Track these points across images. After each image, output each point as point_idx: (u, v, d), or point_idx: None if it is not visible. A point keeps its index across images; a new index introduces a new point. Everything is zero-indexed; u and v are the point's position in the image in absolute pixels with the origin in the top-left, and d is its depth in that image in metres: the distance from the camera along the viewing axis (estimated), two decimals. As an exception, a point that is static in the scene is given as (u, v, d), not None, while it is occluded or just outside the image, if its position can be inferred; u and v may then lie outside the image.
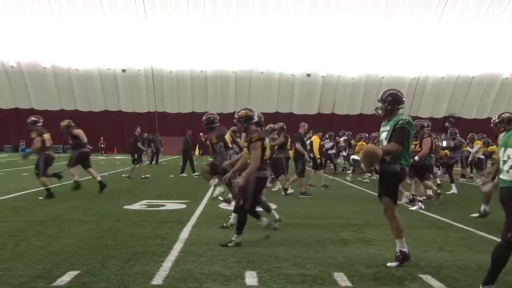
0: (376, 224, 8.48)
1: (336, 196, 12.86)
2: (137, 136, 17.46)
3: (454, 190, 14.11)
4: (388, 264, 5.50)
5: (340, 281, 4.92)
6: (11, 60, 39.95)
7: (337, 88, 41.96)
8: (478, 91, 42.05)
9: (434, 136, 12.34)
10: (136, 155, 17.05)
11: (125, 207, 9.86)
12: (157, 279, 4.83)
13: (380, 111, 5.71)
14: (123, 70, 40.62)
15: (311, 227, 7.93)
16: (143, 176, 16.59)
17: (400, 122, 5.46)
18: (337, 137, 22.47)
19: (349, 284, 4.83)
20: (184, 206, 10.22)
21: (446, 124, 42.74)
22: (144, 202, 10.68)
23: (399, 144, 5.43)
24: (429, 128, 11.74)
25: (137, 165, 17.12)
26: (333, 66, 40.53)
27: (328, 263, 5.62)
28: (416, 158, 10.30)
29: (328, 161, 21.93)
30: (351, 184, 16.37)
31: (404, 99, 5.75)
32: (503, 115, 8.68)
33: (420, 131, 10.86)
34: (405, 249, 5.51)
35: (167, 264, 5.42)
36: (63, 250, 5.99)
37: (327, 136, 21.60)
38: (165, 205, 10.21)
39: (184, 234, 7.15)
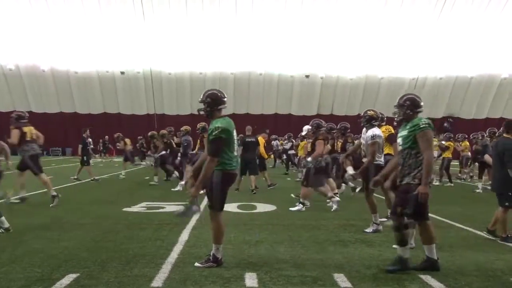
0: (376, 224, 8.48)
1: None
2: (85, 138, 17.41)
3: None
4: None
5: (340, 282, 4.92)
6: (10, 63, 39.90)
7: (336, 89, 41.97)
8: (477, 92, 42.06)
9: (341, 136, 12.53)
10: (85, 157, 17.06)
11: (124, 209, 9.86)
12: (157, 282, 4.83)
13: (398, 117, 5.62)
14: (122, 73, 40.60)
15: (310, 228, 7.93)
16: (92, 178, 16.60)
17: (422, 127, 5.31)
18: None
19: (349, 285, 4.84)
20: (183, 208, 10.20)
21: (445, 124, 42.77)
22: (143, 204, 10.68)
23: (428, 151, 5.27)
24: (330, 129, 11.78)
25: (85, 166, 17.11)
26: (332, 67, 40.53)
27: (328, 264, 5.62)
28: (309, 159, 10.05)
29: (289, 162, 22.25)
30: (351, 184, 16.33)
31: (422, 103, 5.64)
32: None
33: (316, 131, 10.50)
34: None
35: (167, 266, 5.42)
36: (62, 253, 5.98)
37: (286, 136, 21.87)
38: (164, 207, 10.20)
39: (184, 236, 7.15)
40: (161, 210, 9.90)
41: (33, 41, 38.46)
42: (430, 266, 5.31)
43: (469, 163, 18.32)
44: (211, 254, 5.47)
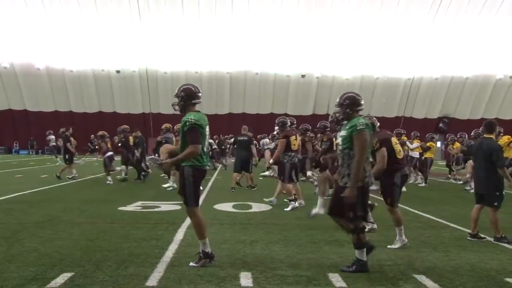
0: (371, 224, 8.49)
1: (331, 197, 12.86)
2: (68, 136, 17.41)
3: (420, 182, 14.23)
4: None
5: (335, 281, 4.93)
6: (4, 61, 39.77)
7: (332, 89, 41.99)
8: (472, 92, 42.23)
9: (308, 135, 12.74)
10: (67, 155, 17.09)
11: (120, 208, 9.84)
12: (152, 281, 4.82)
13: (339, 116, 5.56)
14: (118, 71, 40.53)
15: (306, 228, 7.93)
16: (70, 176, 16.62)
17: (358, 128, 5.22)
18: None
19: (343, 284, 4.84)
20: (179, 207, 10.18)
21: (440, 124, 42.91)
22: (139, 203, 10.66)
23: (360, 153, 5.21)
24: (305, 130, 11.96)
25: (67, 165, 17.14)
26: (328, 67, 40.60)
27: (323, 263, 5.63)
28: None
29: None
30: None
31: (362, 101, 5.53)
32: None
33: (283, 129, 10.69)
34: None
35: (162, 265, 5.42)
36: (57, 252, 5.97)
37: (270, 136, 21.99)
38: (159, 207, 10.18)
39: (179, 235, 7.14)
40: (156, 209, 9.89)
41: (28, 39, 38.34)
42: (361, 269, 5.26)
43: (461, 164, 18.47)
44: (201, 251, 5.46)
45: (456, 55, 39.53)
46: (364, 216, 5.42)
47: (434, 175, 20.59)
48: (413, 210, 10.31)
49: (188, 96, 5.49)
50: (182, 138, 5.47)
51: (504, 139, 11.38)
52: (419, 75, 41.27)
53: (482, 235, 7.20)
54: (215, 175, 18.83)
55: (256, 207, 10.36)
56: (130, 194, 12.47)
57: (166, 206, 10.22)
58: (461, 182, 18.18)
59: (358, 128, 5.21)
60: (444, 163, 23.81)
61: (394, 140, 6.94)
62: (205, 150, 5.51)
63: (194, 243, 6.55)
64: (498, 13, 38.04)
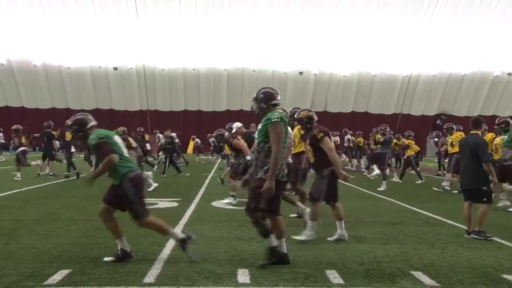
0: (369, 221, 8.52)
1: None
2: (50, 132, 17.38)
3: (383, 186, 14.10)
4: None
5: (332, 278, 4.93)
6: (1, 57, 39.62)
7: (330, 86, 42.03)
8: (470, 89, 42.27)
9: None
10: (53, 151, 17.06)
11: (117, 205, 9.82)
12: (149, 278, 4.82)
13: (256, 110, 5.51)
14: (115, 68, 40.44)
15: (303, 225, 7.93)
16: (51, 174, 16.67)
17: (273, 121, 5.22)
18: None
19: (341, 281, 4.85)
20: (176, 204, 10.20)
21: (438, 121, 42.94)
22: (136, 200, 10.63)
23: (276, 146, 5.18)
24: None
25: (49, 160, 17.13)
26: (325, 64, 40.58)
27: (321, 260, 5.63)
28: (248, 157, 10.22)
29: None
30: (343, 182, 16.40)
31: (277, 96, 5.50)
32: None
33: (229, 135, 10.93)
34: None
35: (159, 262, 5.41)
36: (55, 249, 5.96)
37: None
38: (157, 204, 10.18)
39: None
40: (154, 206, 9.87)
41: (25, 36, 38.18)
42: (281, 260, 5.27)
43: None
44: (182, 240, 5.51)
45: (453, 52, 39.55)
46: (271, 210, 5.30)
47: (432, 172, 20.64)
48: (410, 207, 10.34)
49: (268, 98, 5.48)
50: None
51: (488, 136, 11.48)
52: (417, 72, 41.29)
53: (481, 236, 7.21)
54: (212, 172, 18.81)
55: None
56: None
57: (163, 203, 10.22)
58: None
59: (273, 120, 5.22)
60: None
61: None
62: (125, 154, 5.62)
63: (192, 240, 6.55)
64: (496, 10, 38.07)
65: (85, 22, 37.60)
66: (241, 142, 10.42)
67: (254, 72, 40.57)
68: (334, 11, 37.59)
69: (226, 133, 11.91)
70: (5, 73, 40.50)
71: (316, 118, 7.06)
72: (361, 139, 23.20)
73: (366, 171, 19.71)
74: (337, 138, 23.41)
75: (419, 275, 5.11)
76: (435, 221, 8.67)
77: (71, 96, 41.95)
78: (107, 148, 5.41)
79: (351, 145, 23.64)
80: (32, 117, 40.83)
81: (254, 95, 5.54)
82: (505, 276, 5.17)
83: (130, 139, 14.53)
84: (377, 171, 14.77)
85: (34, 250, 5.89)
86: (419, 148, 24.72)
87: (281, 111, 7.67)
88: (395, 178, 16.97)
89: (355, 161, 23.66)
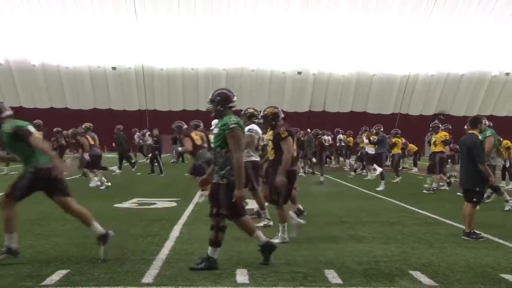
0: (368, 221, 8.52)
1: (327, 194, 12.89)
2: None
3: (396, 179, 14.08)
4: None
5: (331, 278, 4.93)
6: (0, 57, 39.58)
7: (328, 86, 42.00)
8: (468, 89, 42.27)
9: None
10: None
11: (116, 205, 9.83)
12: (148, 278, 4.82)
13: (212, 112, 5.45)
14: (114, 68, 40.37)
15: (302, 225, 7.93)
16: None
17: (231, 127, 5.13)
18: None
19: (339, 281, 4.85)
20: (175, 204, 10.20)
21: (436, 121, 42.93)
22: (135, 200, 10.64)
23: (237, 152, 5.11)
24: (196, 126, 11.96)
25: None
26: (324, 64, 40.56)
27: (319, 260, 5.63)
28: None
29: None
30: (343, 182, 16.43)
31: (234, 98, 5.45)
32: None
33: (184, 130, 11.06)
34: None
35: (158, 262, 5.41)
36: (52, 249, 5.96)
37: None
38: (155, 204, 10.18)
39: (175, 232, 7.14)
40: (152, 206, 9.88)
41: (23, 35, 38.10)
42: (209, 265, 5.18)
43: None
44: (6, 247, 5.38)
45: (451, 51, 39.55)
46: (234, 214, 5.27)
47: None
48: (408, 207, 10.35)
49: (224, 100, 5.39)
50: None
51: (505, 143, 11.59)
52: (415, 72, 41.30)
53: (478, 231, 7.21)
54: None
55: (252, 204, 10.34)
56: (126, 191, 12.44)
57: (162, 203, 10.22)
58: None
59: (231, 126, 5.13)
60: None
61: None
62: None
63: (190, 240, 6.56)
64: (494, 10, 38.08)
65: (84, 22, 37.54)
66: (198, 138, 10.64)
67: (253, 72, 40.55)
68: (332, 11, 37.58)
69: (185, 126, 11.98)
70: (3, 73, 40.41)
71: (282, 115, 7.01)
72: (351, 138, 23.22)
73: (353, 171, 19.68)
74: (329, 138, 23.49)
75: (417, 274, 5.11)
76: (433, 221, 8.68)
77: (70, 96, 41.87)
78: (25, 130, 5.37)
79: (342, 144, 23.66)
80: (30, 117, 40.72)
81: (210, 97, 5.42)
82: (503, 275, 5.17)
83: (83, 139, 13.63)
84: (379, 169, 14.61)
85: (32, 250, 5.88)
86: (417, 148, 24.76)
87: (252, 110, 7.65)
88: (397, 179, 16.94)
89: (348, 161, 23.66)
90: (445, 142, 13.64)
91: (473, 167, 7.05)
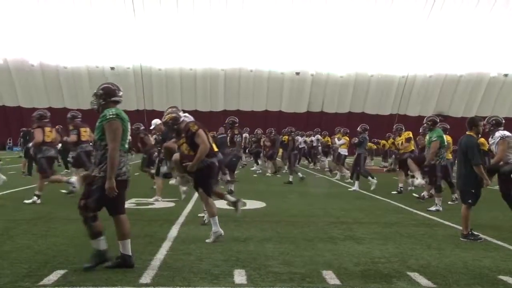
0: (365, 222, 8.52)
1: (325, 194, 12.89)
2: (27, 131, 17.47)
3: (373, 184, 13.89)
4: None
5: (329, 279, 4.93)
6: (-2, 57, 39.56)
7: (326, 86, 42.05)
8: (466, 90, 42.37)
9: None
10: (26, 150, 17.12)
11: (114, 205, 9.79)
12: (145, 278, 4.81)
13: (95, 107, 5.36)
14: (112, 68, 40.36)
15: (300, 225, 7.94)
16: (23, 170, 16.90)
17: (108, 117, 5.08)
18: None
19: (337, 282, 4.84)
20: (172, 204, 10.19)
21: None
22: (133, 200, 10.61)
23: (112, 143, 5.04)
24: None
25: (23, 159, 17.39)
26: (322, 64, 40.62)
27: (317, 261, 5.63)
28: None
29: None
30: (340, 183, 16.42)
31: (119, 93, 5.40)
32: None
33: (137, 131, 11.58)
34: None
35: (156, 262, 5.40)
36: (50, 249, 5.94)
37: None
38: (153, 204, 10.17)
39: (173, 232, 7.13)
40: (150, 206, 9.87)
41: (22, 35, 38.08)
42: (124, 263, 5.14)
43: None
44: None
45: (450, 53, 39.64)
46: (95, 208, 5.19)
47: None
48: (407, 208, 10.35)
49: (107, 94, 5.32)
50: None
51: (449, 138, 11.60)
52: (413, 73, 41.37)
53: (476, 233, 7.21)
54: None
55: (250, 204, 10.36)
56: (124, 191, 12.40)
57: (160, 203, 10.21)
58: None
59: (108, 117, 5.09)
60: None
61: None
62: None
63: (189, 240, 6.55)
64: (492, 11, 38.17)
65: (82, 22, 37.53)
66: (150, 140, 10.67)
67: (251, 72, 40.57)
68: (331, 12, 37.63)
69: (142, 127, 12.05)
70: (2, 73, 40.38)
71: (182, 116, 6.98)
72: (328, 138, 23.25)
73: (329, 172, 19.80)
74: (310, 139, 23.63)
75: (415, 276, 5.11)
76: (431, 222, 8.68)
77: (68, 96, 41.84)
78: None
79: (319, 145, 23.62)
80: (28, 116, 40.65)
81: (95, 91, 5.37)
82: (501, 277, 5.17)
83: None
84: (374, 181, 14.31)
85: (30, 250, 5.86)
86: (413, 148, 24.74)
87: (173, 109, 7.58)
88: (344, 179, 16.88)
89: (326, 160, 23.72)
90: (407, 140, 13.40)
91: (468, 168, 7.05)
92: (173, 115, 7.04)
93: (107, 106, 5.26)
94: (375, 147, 30.02)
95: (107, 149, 5.06)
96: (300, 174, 16.02)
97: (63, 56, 39.72)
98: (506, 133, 7.81)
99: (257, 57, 39.80)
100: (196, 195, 11.77)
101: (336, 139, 18.27)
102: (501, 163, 7.58)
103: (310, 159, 24.80)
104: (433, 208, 10.07)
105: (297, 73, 41.01)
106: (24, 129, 20.07)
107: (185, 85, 41.57)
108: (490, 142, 8.30)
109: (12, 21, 37.28)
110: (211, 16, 37.82)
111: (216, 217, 6.61)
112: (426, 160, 10.56)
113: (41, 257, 5.53)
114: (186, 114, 7.48)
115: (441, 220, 8.77)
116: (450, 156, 12.06)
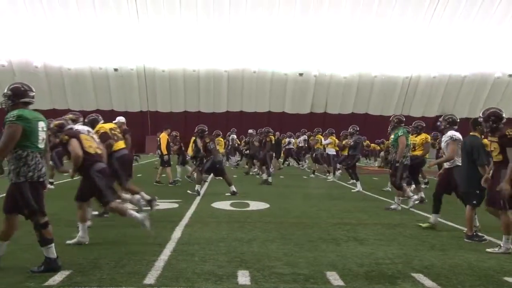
0: (369, 223, 8.51)
1: (329, 196, 12.88)
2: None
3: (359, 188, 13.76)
4: None
5: (333, 280, 4.93)
6: (2, 59, 39.64)
7: (330, 87, 42.02)
8: (470, 91, 42.24)
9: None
10: None
11: (117, 206, 9.80)
12: (149, 279, 4.82)
13: (4, 107, 5.30)
14: (115, 69, 40.44)
15: (303, 227, 7.94)
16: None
17: (8, 120, 5.01)
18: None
19: (341, 283, 4.84)
20: (176, 205, 10.20)
21: (438, 123, 42.83)
22: (137, 201, 10.63)
23: (4, 144, 4.95)
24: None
25: None
26: (326, 65, 40.58)
27: (321, 262, 5.63)
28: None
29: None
30: (344, 184, 16.41)
31: (30, 93, 5.34)
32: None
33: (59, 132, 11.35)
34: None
35: (160, 263, 5.41)
36: (55, 250, 5.95)
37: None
38: (157, 205, 10.16)
39: (177, 233, 7.14)
40: (154, 207, 9.86)
41: (26, 37, 38.20)
42: (50, 267, 5.07)
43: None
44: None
45: (454, 53, 39.54)
46: (40, 209, 5.17)
47: (432, 174, 20.57)
48: (410, 209, 10.32)
49: (15, 94, 5.29)
50: None
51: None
52: (417, 73, 41.29)
53: (481, 234, 7.20)
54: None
55: (254, 205, 10.37)
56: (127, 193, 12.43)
57: (164, 205, 10.21)
58: None
59: (8, 120, 5.03)
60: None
61: (84, 136, 6.73)
62: None
63: (192, 242, 6.56)
64: (496, 11, 38.06)
65: (86, 23, 37.63)
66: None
67: (254, 73, 40.57)
68: (334, 12, 37.60)
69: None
70: (6, 74, 40.45)
71: (70, 124, 6.92)
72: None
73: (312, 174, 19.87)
74: (298, 140, 23.77)
75: (419, 277, 5.10)
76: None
77: (72, 97, 41.96)
78: None
79: (305, 145, 23.65)
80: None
81: (5, 91, 5.30)
82: (506, 278, 5.16)
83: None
84: (359, 188, 14.11)
85: (34, 251, 5.88)
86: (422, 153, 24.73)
87: (70, 116, 7.63)
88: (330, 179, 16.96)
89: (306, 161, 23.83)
90: (425, 144, 12.78)
91: (472, 169, 7.02)
92: (60, 122, 7.00)
93: (16, 107, 5.18)
94: (378, 148, 30.00)
95: (13, 152, 5.00)
96: (266, 176, 15.71)
97: (66, 57, 39.82)
98: (457, 135, 7.94)
99: (260, 58, 39.80)
100: (199, 196, 11.82)
101: (322, 139, 18.34)
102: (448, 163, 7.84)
103: (298, 160, 24.85)
104: (392, 206, 10.08)
105: (301, 74, 40.98)
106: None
107: (189, 86, 41.61)
108: (441, 140, 8.40)
109: (16, 23, 37.40)
110: (214, 18, 37.85)
111: (87, 224, 6.64)
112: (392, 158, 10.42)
113: (45, 258, 5.54)
114: (80, 125, 7.37)
115: (445, 221, 8.75)
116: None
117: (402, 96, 42.29)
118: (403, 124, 10.63)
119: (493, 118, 6.70)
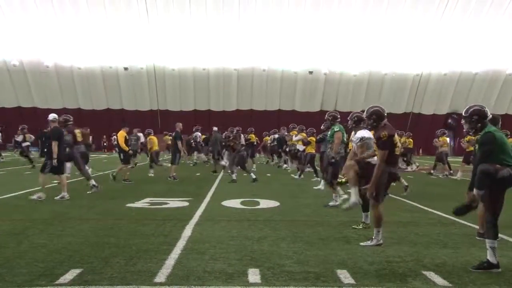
0: (379, 221, 8.45)
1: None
2: (46, 132, 17.61)
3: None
4: None
5: (343, 278, 4.91)
6: (14, 59, 40.01)
7: (340, 85, 41.92)
8: (481, 88, 41.91)
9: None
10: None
11: (128, 205, 9.86)
12: (160, 277, 4.83)
13: None
14: (125, 68, 40.66)
15: (314, 225, 7.91)
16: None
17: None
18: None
19: (352, 281, 4.82)
20: (187, 203, 10.22)
21: (449, 120, 42.62)
22: (147, 200, 10.68)
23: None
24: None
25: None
26: (336, 63, 40.49)
27: (331, 260, 5.60)
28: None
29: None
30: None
31: None
32: None
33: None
34: None
35: (170, 262, 5.42)
36: (66, 248, 5.99)
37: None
38: (168, 203, 10.20)
39: (187, 232, 7.15)
40: (164, 206, 9.91)
41: (37, 37, 38.53)
42: None
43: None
44: None
45: (464, 50, 39.25)
46: None
47: (440, 171, 20.45)
48: (421, 207, 10.26)
49: None
50: None
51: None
52: (428, 71, 41.05)
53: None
54: (221, 172, 18.79)
55: (264, 203, 10.36)
56: (138, 191, 12.50)
57: (174, 203, 10.24)
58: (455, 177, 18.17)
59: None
60: (457, 159, 23.70)
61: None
62: None
63: (202, 240, 6.57)
64: (508, 8, 37.71)
65: (96, 23, 37.85)
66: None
67: (264, 72, 40.57)
68: (344, 10, 37.48)
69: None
70: (17, 74, 40.88)
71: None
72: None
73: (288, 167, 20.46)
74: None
75: (431, 275, 5.07)
76: (447, 221, 8.59)
77: (82, 96, 42.26)
78: None
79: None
80: (44, 117, 41.11)
81: None
82: (518, 276, 5.11)
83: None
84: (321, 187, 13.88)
85: (46, 250, 5.92)
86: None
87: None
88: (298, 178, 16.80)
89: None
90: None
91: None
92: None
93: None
94: None
95: None
96: (234, 176, 15.60)
97: (77, 57, 40.10)
98: (366, 134, 7.83)
99: (270, 56, 39.79)
100: (209, 195, 11.84)
101: (293, 136, 18.40)
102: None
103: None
104: (331, 203, 9.97)
105: (310, 72, 40.92)
106: (44, 130, 20.53)
107: (198, 85, 41.71)
108: (352, 139, 8.31)
109: (27, 23, 37.70)
110: (224, 16, 37.90)
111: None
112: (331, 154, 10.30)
113: (57, 256, 5.59)
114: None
115: (457, 219, 8.67)
116: None
117: (413, 94, 42.06)
118: (338, 120, 10.54)
119: (375, 117, 6.73)
